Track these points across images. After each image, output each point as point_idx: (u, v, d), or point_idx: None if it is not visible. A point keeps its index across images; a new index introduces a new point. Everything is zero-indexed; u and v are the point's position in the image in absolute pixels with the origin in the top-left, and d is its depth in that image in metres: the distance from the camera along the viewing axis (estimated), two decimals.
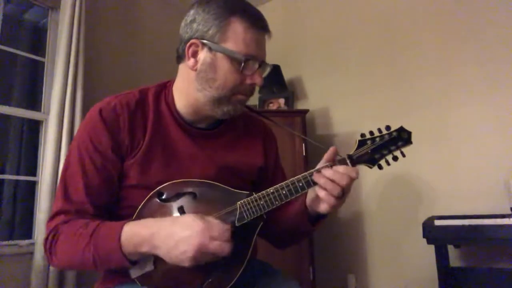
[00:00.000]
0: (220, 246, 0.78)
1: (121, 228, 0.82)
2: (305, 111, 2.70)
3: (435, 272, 1.87)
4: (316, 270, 2.51)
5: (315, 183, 0.89)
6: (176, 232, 0.79)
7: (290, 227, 1.04)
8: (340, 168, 0.87)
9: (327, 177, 0.87)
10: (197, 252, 0.77)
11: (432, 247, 1.88)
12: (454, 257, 2.15)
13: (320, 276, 2.60)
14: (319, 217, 0.98)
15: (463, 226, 1.78)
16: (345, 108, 2.79)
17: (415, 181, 2.41)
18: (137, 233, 0.81)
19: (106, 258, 0.83)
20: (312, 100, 2.98)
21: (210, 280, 0.86)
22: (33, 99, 2.42)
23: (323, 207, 0.90)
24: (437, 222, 1.84)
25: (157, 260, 0.84)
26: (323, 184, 0.87)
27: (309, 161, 2.52)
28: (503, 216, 1.81)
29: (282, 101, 2.86)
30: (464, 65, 2.30)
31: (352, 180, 0.87)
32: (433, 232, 1.82)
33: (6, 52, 2.30)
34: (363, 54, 2.74)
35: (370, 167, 0.93)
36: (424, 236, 1.82)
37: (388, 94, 2.58)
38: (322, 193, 0.87)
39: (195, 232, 0.77)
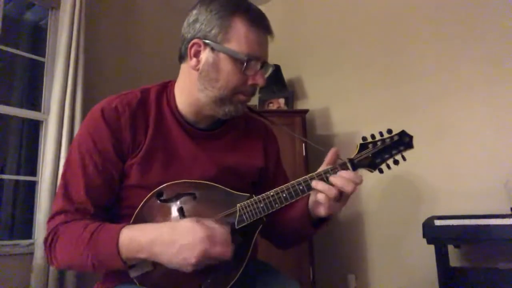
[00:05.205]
0: (223, 251, 0.78)
1: (119, 233, 0.82)
2: (305, 111, 2.70)
3: (435, 272, 1.87)
4: (316, 270, 2.51)
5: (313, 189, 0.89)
6: (177, 239, 0.78)
7: (293, 229, 1.03)
8: (344, 173, 0.88)
9: (325, 181, 0.87)
10: (200, 259, 0.77)
11: (432, 247, 1.88)
12: (454, 257, 2.15)
13: (320, 276, 2.60)
14: (322, 220, 0.97)
15: (463, 226, 1.78)
16: (345, 108, 2.79)
17: (415, 181, 2.41)
18: (135, 239, 0.80)
19: (104, 262, 0.83)
20: (312, 100, 2.97)
21: (209, 280, 0.86)
22: (33, 99, 2.42)
23: (321, 210, 0.90)
24: (437, 222, 1.84)
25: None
26: (321, 187, 0.87)
27: (309, 162, 2.52)
28: (503, 216, 1.82)
29: (282, 101, 2.86)
30: (464, 65, 2.29)
31: (356, 185, 0.87)
32: (433, 232, 1.81)
33: (6, 52, 2.30)
34: (363, 54, 2.74)
35: (371, 171, 0.93)
36: (424, 236, 1.82)
37: (388, 94, 2.58)
38: (319, 196, 0.88)
39: (197, 238, 0.77)
